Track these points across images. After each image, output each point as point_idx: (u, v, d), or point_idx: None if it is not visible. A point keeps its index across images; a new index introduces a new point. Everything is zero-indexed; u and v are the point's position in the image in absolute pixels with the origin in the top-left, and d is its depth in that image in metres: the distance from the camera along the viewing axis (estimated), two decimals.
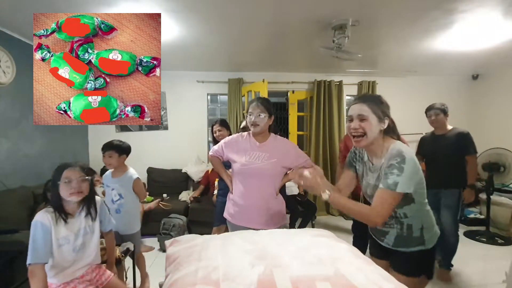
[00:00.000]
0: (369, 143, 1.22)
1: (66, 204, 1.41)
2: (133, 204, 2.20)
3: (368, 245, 1.53)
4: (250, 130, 1.75)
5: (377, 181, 1.22)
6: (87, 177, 1.43)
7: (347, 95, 4.56)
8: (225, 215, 1.85)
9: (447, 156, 2.41)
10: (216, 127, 2.60)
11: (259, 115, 1.65)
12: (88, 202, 1.49)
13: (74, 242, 1.42)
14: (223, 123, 2.63)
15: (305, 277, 0.53)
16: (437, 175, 2.42)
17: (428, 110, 2.52)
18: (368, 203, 1.26)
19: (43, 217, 1.34)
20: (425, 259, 1.26)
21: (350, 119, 1.26)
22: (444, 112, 2.46)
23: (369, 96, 1.33)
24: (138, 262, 2.28)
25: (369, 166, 1.31)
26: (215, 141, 2.61)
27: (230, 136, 1.88)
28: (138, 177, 2.20)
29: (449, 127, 2.48)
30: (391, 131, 1.27)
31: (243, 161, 1.70)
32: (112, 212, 2.06)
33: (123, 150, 2.12)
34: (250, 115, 1.68)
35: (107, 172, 2.19)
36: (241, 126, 2.96)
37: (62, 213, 1.39)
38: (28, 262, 1.26)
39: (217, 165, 1.89)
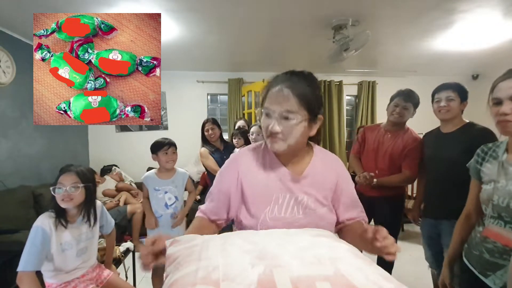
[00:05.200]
0: None
1: (67, 210, 1.40)
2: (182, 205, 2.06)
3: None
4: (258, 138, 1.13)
5: None
6: (81, 185, 1.37)
7: (347, 95, 4.57)
8: None
9: (452, 168, 1.52)
10: (208, 125, 2.48)
11: (288, 118, 0.77)
12: (87, 209, 1.46)
13: (77, 246, 1.42)
14: (215, 122, 2.53)
15: (305, 277, 0.53)
16: (437, 197, 1.65)
17: (436, 92, 1.70)
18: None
19: (44, 223, 1.31)
20: None
21: (498, 102, 0.91)
22: (462, 95, 1.63)
23: None
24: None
25: (508, 166, 0.94)
26: (205, 141, 2.53)
27: (227, 165, 0.93)
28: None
29: (464, 121, 1.68)
30: None
31: (266, 217, 0.83)
32: (165, 219, 1.92)
33: (176, 146, 2.02)
34: (267, 115, 0.80)
35: (151, 174, 1.97)
36: (237, 126, 2.90)
37: (62, 218, 1.37)
38: (19, 268, 1.22)
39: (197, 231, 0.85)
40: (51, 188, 1.35)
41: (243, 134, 2.55)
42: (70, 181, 1.35)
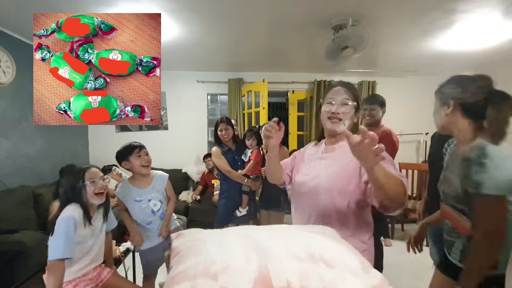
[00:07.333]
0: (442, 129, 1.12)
1: (91, 205, 1.44)
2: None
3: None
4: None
5: (453, 175, 1.04)
6: (106, 177, 1.49)
7: None
8: None
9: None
10: (222, 125, 2.46)
11: (346, 104, 1.12)
12: (106, 202, 1.53)
13: (87, 242, 1.45)
14: (229, 122, 2.51)
15: (300, 273, 0.54)
16: (439, 195, 1.76)
17: None
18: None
19: (75, 212, 1.36)
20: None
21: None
22: None
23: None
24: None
25: (451, 156, 1.12)
26: (217, 141, 2.56)
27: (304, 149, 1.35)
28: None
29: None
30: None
31: (299, 176, 1.22)
32: (155, 224, 1.79)
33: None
34: (330, 103, 1.15)
35: (126, 186, 1.78)
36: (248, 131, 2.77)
37: (87, 214, 1.41)
38: (57, 256, 1.26)
39: None
40: (73, 188, 1.39)
41: (257, 134, 2.55)
42: (99, 175, 1.45)
